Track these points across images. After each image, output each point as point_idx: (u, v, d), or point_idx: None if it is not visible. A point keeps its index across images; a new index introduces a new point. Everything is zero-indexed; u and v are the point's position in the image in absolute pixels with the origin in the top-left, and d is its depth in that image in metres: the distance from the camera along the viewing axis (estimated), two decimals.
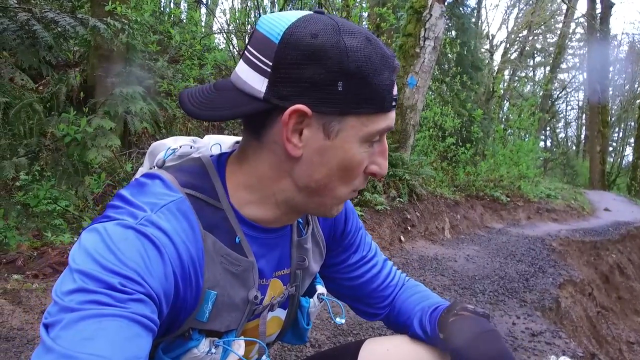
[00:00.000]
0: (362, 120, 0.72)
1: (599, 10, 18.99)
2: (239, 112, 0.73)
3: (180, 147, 0.91)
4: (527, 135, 11.80)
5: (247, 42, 0.76)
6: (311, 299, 1.02)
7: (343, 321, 1.10)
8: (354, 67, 0.68)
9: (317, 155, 0.74)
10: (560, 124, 35.00)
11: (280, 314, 0.98)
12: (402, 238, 4.99)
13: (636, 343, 5.41)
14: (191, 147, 0.91)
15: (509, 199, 8.11)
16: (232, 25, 7.80)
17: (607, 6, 18.75)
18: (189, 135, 0.99)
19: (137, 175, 0.86)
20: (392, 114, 0.76)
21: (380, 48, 0.72)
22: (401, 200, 5.37)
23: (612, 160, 27.65)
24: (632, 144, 23.34)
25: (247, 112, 0.72)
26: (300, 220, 0.93)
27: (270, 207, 0.80)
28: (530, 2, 25.91)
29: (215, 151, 0.92)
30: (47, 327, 0.57)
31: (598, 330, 4.64)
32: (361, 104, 0.70)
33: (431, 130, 8.15)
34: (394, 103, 0.75)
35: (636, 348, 5.29)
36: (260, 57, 0.71)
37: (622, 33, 45.16)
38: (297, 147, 0.73)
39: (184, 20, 7.79)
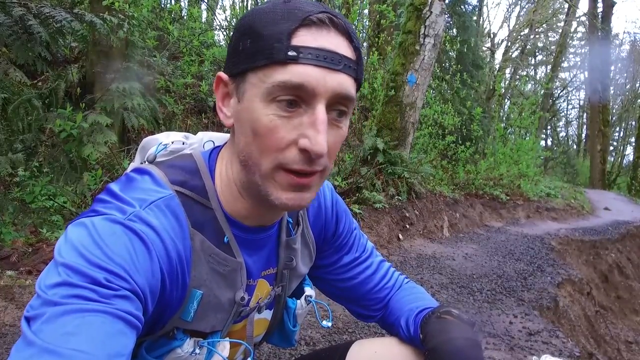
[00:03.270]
0: (260, 76, 0.68)
1: (600, 9, 18.95)
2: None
3: (172, 142, 0.90)
4: (527, 134, 11.78)
5: None
6: (298, 301, 1.01)
7: (330, 324, 1.09)
8: (248, 24, 0.69)
9: (237, 122, 0.73)
10: (561, 123, 35.01)
11: (267, 315, 0.96)
12: (401, 236, 4.98)
13: (634, 342, 5.39)
14: (183, 143, 0.91)
15: (508, 198, 8.10)
16: (232, 21, 7.78)
17: (609, 5, 18.71)
18: (188, 132, 0.98)
19: (129, 170, 0.84)
20: (298, 68, 0.66)
21: (296, 4, 0.69)
22: (400, 198, 5.36)
23: (612, 159, 27.66)
24: (633, 144, 23.31)
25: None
26: (290, 220, 0.92)
27: (239, 197, 0.79)
28: (532, 0, 25.86)
29: (208, 148, 0.91)
30: (28, 320, 0.56)
31: (596, 329, 4.63)
32: (254, 57, 0.68)
33: (431, 128, 8.13)
34: (292, 53, 0.65)
35: (634, 347, 5.27)
36: None
37: (624, 32, 45.20)
38: (227, 117, 0.75)
39: (184, 17, 7.77)
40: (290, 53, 0.65)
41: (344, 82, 0.69)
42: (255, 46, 0.68)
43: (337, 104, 0.70)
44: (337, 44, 0.68)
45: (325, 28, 0.68)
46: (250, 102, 0.69)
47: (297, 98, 0.67)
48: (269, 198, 0.72)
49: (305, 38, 0.66)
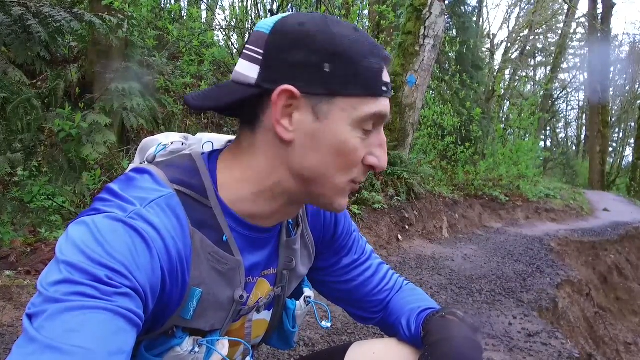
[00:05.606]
0: (352, 103, 0.73)
1: (600, 10, 18.98)
2: (232, 98, 0.75)
3: (172, 143, 0.91)
4: (527, 135, 11.79)
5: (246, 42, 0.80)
6: (297, 302, 1.01)
7: (329, 325, 1.09)
8: (340, 50, 0.72)
9: (308, 139, 0.74)
10: (561, 124, 35.07)
11: (266, 316, 0.97)
12: (400, 237, 4.97)
13: (634, 344, 5.40)
14: (182, 144, 0.91)
15: (507, 199, 8.10)
16: (232, 21, 7.79)
17: (609, 6, 18.74)
18: (187, 132, 0.99)
19: (128, 170, 0.85)
20: (385, 102, 0.76)
21: (369, 37, 0.76)
22: (399, 199, 5.36)
23: (612, 160, 27.71)
24: (632, 145, 23.34)
25: (239, 97, 0.74)
26: (290, 221, 0.93)
27: (267, 200, 0.80)
28: (532, 1, 25.88)
29: (207, 149, 0.91)
30: (30, 317, 0.56)
31: (595, 330, 4.63)
32: (348, 85, 0.72)
33: (430, 129, 8.14)
34: (384, 89, 0.75)
35: (633, 349, 5.28)
36: (254, 48, 0.75)
37: (623, 33, 45.18)
38: (287, 130, 0.74)
39: (184, 17, 7.77)
40: (383, 89, 0.76)
41: None
42: (351, 74, 0.72)
43: None
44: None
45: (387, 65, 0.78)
46: (336, 125, 0.74)
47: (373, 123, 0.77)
48: (332, 204, 0.81)
49: (386, 75, 0.77)
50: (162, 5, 8.12)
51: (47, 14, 2.71)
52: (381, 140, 0.78)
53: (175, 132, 0.98)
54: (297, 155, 0.75)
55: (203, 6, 9.18)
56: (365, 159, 0.77)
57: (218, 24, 7.92)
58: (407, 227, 5.21)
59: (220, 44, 7.78)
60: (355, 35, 0.74)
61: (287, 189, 0.79)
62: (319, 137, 0.74)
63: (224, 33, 7.38)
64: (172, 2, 8.87)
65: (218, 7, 9.75)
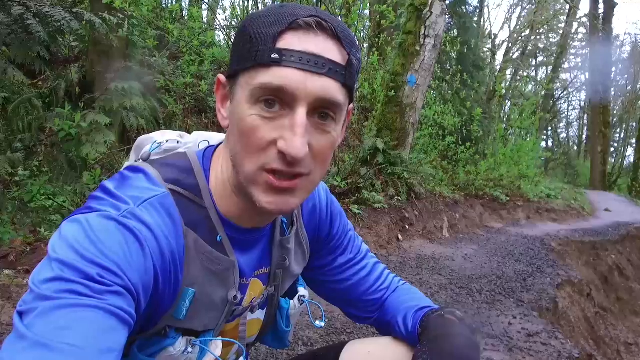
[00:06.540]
0: (246, 78, 0.69)
1: (601, 10, 18.95)
2: None
3: (167, 141, 0.90)
4: (528, 135, 11.76)
5: None
6: (291, 301, 1.01)
7: (322, 324, 1.08)
8: (242, 27, 0.71)
9: (230, 122, 0.74)
10: (562, 124, 35.04)
11: (260, 315, 0.96)
12: (400, 237, 4.97)
13: (634, 344, 5.38)
14: (178, 142, 0.91)
15: (508, 199, 8.08)
16: (232, 21, 7.80)
17: (610, 6, 18.70)
18: (188, 132, 0.98)
19: (123, 168, 0.85)
20: (281, 72, 0.66)
21: (289, 8, 0.69)
22: (400, 198, 5.35)
23: (613, 160, 27.65)
24: (634, 145, 23.28)
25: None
26: (284, 219, 0.92)
27: (232, 197, 0.79)
28: (533, 1, 25.84)
29: (203, 148, 0.91)
30: (21, 314, 0.56)
31: (596, 331, 4.62)
32: (242, 60, 0.69)
33: (431, 128, 8.13)
34: (274, 56, 0.66)
35: (634, 349, 5.26)
36: None
37: (625, 33, 45.16)
38: (223, 118, 0.76)
39: (185, 17, 7.79)
40: (273, 56, 0.66)
41: (327, 87, 0.68)
42: (245, 48, 0.69)
43: (321, 108, 0.69)
44: (323, 48, 0.68)
45: (313, 32, 0.68)
46: (238, 103, 0.71)
47: (278, 100, 0.67)
48: (252, 200, 0.72)
49: (291, 41, 0.67)
50: (163, 5, 8.13)
51: (47, 13, 2.71)
52: (293, 121, 0.67)
53: (171, 131, 0.98)
54: (229, 141, 0.75)
55: (204, 6, 9.19)
56: (277, 143, 0.68)
57: (219, 23, 7.92)
58: (407, 227, 5.20)
59: (221, 43, 7.78)
60: (266, 10, 0.70)
61: (234, 181, 0.77)
62: (231, 120, 0.73)
63: (225, 33, 7.38)
64: (173, 1, 8.88)
65: (219, 6, 9.75)
